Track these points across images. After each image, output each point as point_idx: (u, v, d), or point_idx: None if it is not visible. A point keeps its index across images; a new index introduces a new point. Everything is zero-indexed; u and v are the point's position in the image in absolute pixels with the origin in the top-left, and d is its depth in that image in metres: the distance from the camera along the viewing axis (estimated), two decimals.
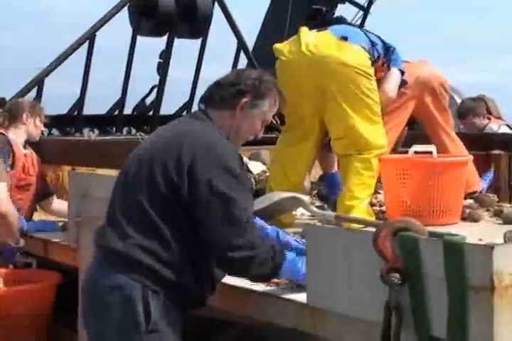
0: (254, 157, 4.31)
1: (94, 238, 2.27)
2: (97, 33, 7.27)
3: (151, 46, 8.17)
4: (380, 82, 3.35)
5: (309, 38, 3.23)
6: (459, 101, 6.37)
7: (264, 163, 4.17)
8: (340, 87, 3.15)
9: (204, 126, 2.26)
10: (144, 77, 8.64)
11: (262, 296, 2.29)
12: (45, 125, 4.21)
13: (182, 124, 2.34)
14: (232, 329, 3.09)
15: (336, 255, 1.94)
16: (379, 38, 3.44)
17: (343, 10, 8.56)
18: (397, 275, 1.74)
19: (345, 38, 3.21)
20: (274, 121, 2.91)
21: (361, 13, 8.97)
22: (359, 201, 3.17)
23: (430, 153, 3.23)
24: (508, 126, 5.70)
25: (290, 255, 2.23)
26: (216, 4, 8.10)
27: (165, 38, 7.97)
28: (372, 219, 3.17)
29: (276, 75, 3.23)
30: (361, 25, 7.30)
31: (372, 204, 3.66)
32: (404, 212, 3.14)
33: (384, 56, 3.37)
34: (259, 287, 2.32)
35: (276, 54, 3.27)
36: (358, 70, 3.16)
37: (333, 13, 8.16)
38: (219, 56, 9.70)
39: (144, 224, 2.12)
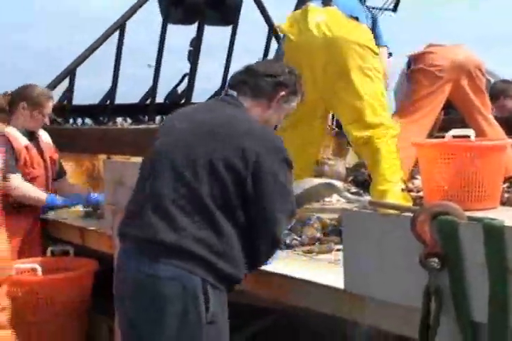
0: None
1: (128, 229, 2.17)
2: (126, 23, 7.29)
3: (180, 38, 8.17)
4: None
5: (318, 16, 3.15)
6: None
7: None
8: (356, 67, 3.11)
9: (245, 113, 2.24)
10: (175, 67, 8.65)
11: (299, 282, 2.28)
12: (50, 120, 3.96)
13: (222, 110, 2.24)
14: (269, 315, 3.10)
15: (373, 240, 1.92)
16: (367, 7, 3.41)
17: None
18: (436, 259, 1.72)
19: (355, 18, 3.18)
20: None
21: None
22: (392, 184, 3.14)
23: (468, 137, 3.19)
24: None
25: None
26: None
27: (195, 26, 7.96)
28: (408, 203, 3.14)
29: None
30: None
31: (409, 190, 3.62)
32: (442, 197, 3.09)
33: (371, 29, 3.34)
34: (297, 273, 2.31)
35: (283, 33, 3.21)
36: (369, 50, 3.15)
37: None
38: (250, 44, 9.66)
39: (201, 215, 2.06)
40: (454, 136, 3.20)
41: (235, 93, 2.29)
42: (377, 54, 3.18)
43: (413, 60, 4.01)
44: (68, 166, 4.49)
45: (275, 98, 2.29)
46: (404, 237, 1.79)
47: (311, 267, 2.44)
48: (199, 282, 2.03)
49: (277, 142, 2.17)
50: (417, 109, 3.87)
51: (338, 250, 2.55)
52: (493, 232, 1.65)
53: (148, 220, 2.09)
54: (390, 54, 3.54)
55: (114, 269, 2.30)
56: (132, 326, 2.15)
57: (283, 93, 2.30)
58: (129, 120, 7.89)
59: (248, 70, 2.32)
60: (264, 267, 2.33)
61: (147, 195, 2.16)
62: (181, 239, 2.04)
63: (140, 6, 7.36)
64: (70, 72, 7.00)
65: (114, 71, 7.54)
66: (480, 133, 3.76)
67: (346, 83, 3.11)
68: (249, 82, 2.28)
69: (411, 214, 1.82)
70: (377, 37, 3.34)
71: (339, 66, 3.11)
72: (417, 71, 3.95)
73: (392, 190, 3.14)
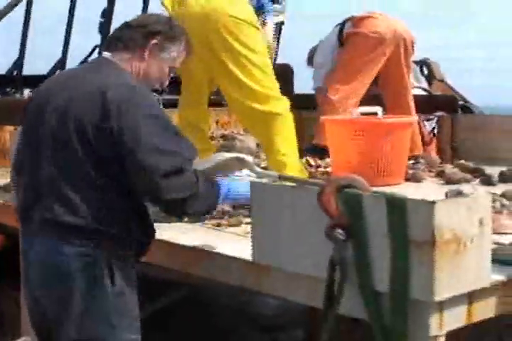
0: None
1: (31, 212, 2.13)
2: None
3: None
4: None
5: None
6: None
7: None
8: (237, 41, 3.11)
9: (116, 72, 2.18)
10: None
11: (208, 254, 2.29)
12: None
13: (91, 73, 2.20)
14: (178, 288, 3.10)
15: (281, 212, 1.95)
16: None
17: None
18: (341, 231, 1.76)
19: None
20: None
21: None
22: (286, 157, 3.17)
23: (376, 114, 3.27)
24: (424, 89, 5.76)
25: (223, 183, 2.25)
26: None
27: None
28: (305, 175, 3.19)
29: None
30: None
31: (317, 166, 3.69)
32: (350, 173, 3.16)
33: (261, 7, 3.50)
34: (205, 246, 2.33)
35: (165, 8, 3.18)
36: (250, 24, 3.14)
37: None
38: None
39: (91, 190, 2.05)
40: (362, 113, 3.27)
41: (108, 54, 2.24)
42: (257, 28, 3.20)
43: (353, 23, 4.02)
44: None
45: (147, 47, 2.24)
46: (312, 209, 1.83)
47: (220, 240, 2.45)
48: (103, 256, 2.04)
49: (143, 98, 2.11)
50: (352, 72, 3.92)
51: (247, 223, 2.58)
52: (395, 204, 1.71)
53: (48, 203, 2.08)
54: (282, 23, 3.73)
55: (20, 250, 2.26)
56: (38, 305, 2.14)
57: (155, 41, 2.25)
58: None
59: (124, 26, 2.30)
60: (172, 239, 2.34)
61: (40, 177, 2.12)
62: (79, 219, 2.04)
63: None
64: None
65: (22, 40, 7.29)
66: (405, 108, 3.89)
67: (230, 56, 3.11)
68: (122, 37, 2.25)
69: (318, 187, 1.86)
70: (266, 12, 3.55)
71: (221, 39, 3.11)
72: (356, 34, 3.96)
73: (290, 161, 3.17)
